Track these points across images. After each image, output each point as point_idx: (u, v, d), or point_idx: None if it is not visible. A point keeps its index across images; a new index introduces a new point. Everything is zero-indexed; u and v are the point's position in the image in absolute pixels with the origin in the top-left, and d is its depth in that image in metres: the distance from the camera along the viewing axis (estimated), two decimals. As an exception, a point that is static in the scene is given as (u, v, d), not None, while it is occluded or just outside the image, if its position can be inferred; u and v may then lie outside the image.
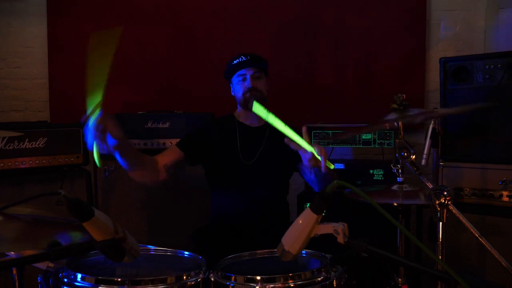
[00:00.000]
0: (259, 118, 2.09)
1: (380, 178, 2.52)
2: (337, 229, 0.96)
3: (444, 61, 2.37)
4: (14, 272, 1.24)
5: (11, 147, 2.44)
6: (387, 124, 1.41)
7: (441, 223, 1.20)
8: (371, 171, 2.53)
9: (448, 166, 2.32)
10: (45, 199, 2.72)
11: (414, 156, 1.29)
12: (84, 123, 1.50)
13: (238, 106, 2.19)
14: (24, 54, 3.26)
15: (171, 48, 3.23)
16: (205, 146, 2.09)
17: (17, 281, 1.21)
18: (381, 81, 3.06)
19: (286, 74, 3.15)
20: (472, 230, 1.17)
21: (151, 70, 3.23)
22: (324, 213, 0.95)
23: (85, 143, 2.54)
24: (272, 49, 3.14)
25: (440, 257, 1.19)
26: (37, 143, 2.51)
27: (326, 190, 0.95)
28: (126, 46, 3.21)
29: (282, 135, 2.09)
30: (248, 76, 2.07)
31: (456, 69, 2.35)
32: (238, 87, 2.10)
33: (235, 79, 2.11)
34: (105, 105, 3.31)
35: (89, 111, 1.48)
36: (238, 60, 2.09)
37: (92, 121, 1.49)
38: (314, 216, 0.98)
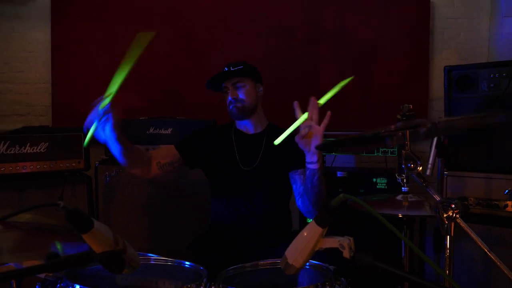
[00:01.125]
0: (255, 125, 2.12)
1: (384, 187, 2.49)
2: (343, 244, 0.93)
3: (448, 70, 2.36)
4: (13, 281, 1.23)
5: (12, 152, 2.43)
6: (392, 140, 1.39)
7: (448, 236, 1.17)
8: (374, 180, 2.50)
9: (452, 175, 2.30)
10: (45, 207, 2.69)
11: (421, 168, 1.27)
12: (93, 106, 1.58)
13: None
14: (27, 59, 3.26)
15: (173, 53, 3.22)
16: (202, 150, 2.09)
17: None
18: (384, 89, 3.05)
19: (288, 80, 3.14)
20: (480, 244, 1.15)
21: (154, 76, 3.22)
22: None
23: (87, 148, 2.56)
24: (274, 54, 3.13)
25: (447, 271, 1.16)
26: (38, 147, 2.50)
27: (332, 203, 0.93)
28: (127, 50, 3.20)
29: (277, 148, 2.07)
30: (230, 87, 2.06)
31: (461, 77, 2.34)
32: (226, 101, 2.10)
33: (223, 93, 2.12)
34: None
35: (105, 96, 1.57)
36: (218, 74, 2.07)
37: (103, 104, 1.57)
38: (319, 229, 0.95)
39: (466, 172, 2.27)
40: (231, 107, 2.05)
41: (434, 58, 3.08)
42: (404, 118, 1.33)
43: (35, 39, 3.25)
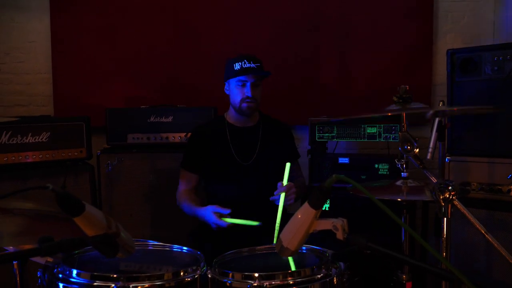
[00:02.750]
0: (251, 119, 2.14)
1: (386, 173, 2.47)
2: (336, 225, 0.92)
3: (451, 53, 2.32)
4: (15, 266, 1.24)
5: (14, 142, 2.44)
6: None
7: (445, 218, 1.16)
8: (376, 166, 2.48)
9: (455, 160, 2.27)
10: (47, 193, 2.72)
11: (417, 150, 1.25)
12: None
13: (231, 107, 2.17)
14: (27, 49, 3.25)
15: (173, 42, 3.20)
16: (205, 157, 2.14)
17: (18, 275, 1.20)
18: (387, 74, 3.00)
19: (290, 69, 3.11)
20: (478, 226, 1.13)
21: (154, 65, 3.21)
22: (328, 208, 0.92)
23: (88, 137, 2.58)
24: (275, 43, 3.10)
25: (444, 254, 1.15)
26: (41, 137, 2.51)
27: (325, 184, 0.91)
28: (129, 41, 3.20)
29: (276, 133, 2.12)
30: (248, 84, 2.04)
31: (464, 60, 2.29)
32: (236, 91, 2.07)
33: (233, 81, 2.08)
34: (109, 100, 3.30)
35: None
36: (241, 64, 2.02)
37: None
38: (313, 211, 0.94)
39: (468, 156, 2.24)
40: (245, 104, 2.05)
41: (438, 42, 3.02)
42: (400, 101, 1.31)
43: (35, 30, 3.24)
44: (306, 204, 0.96)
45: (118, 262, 1.21)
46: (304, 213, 0.95)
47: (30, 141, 2.48)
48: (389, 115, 1.31)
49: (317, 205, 0.94)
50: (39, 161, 2.50)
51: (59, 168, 2.55)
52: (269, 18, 3.13)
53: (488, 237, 1.12)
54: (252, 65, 2.02)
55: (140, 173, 2.70)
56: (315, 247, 1.34)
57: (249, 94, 2.02)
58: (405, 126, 1.32)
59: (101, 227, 0.88)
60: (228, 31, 3.16)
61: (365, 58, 3.06)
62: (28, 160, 2.47)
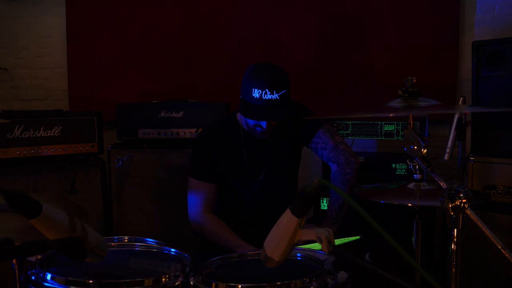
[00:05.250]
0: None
1: (403, 173, 2.33)
2: (321, 237, 0.82)
3: (477, 45, 2.14)
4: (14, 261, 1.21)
5: (26, 135, 2.44)
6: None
7: (456, 230, 1.03)
8: (393, 166, 2.35)
9: (479, 161, 2.10)
10: (57, 189, 2.70)
11: (425, 150, 1.12)
12: None
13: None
14: (45, 44, 3.27)
15: (187, 35, 3.14)
16: (215, 162, 1.90)
17: (17, 270, 1.16)
18: (409, 68, 2.84)
19: (311, 64, 2.99)
20: (494, 241, 1.00)
21: (168, 59, 3.16)
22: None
23: (100, 132, 2.56)
24: (296, 36, 2.99)
25: (453, 270, 1.03)
26: (52, 131, 2.50)
27: (306, 190, 0.81)
28: (142, 34, 3.17)
29: (285, 134, 1.91)
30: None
31: (491, 53, 2.11)
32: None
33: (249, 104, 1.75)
34: (122, 95, 3.26)
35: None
36: (261, 93, 1.66)
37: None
38: (295, 219, 0.84)
39: (494, 157, 2.07)
40: (259, 129, 1.78)
41: (465, 35, 2.82)
42: (406, 95, 1.18)
43: (52, 24, 3.25)
44: (288, 211, 0.86)
45: (100, 265, 1.15)
46: (287, 221, 0.86)
47: (42, 135, 2.48)
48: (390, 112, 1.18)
49: (299, 213, 0.84)
50: (51, 155, 2.50)
51: (71, 163, 2.54)
52: (289, 10, 3.01)
53: (506, 253, 0.98)
54: (275, 96, 1.66)
55: (151, 168, 2.66)
56: (318, 251, 1.24)
57: (264, 126, 1.75)
58: (411, 123, 1.19)
59: (62, 231, 0.81)
60: (244, 24, 3.07)
61: (387, 51, 2.91)
62: (40, 154, 2.47)
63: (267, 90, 1.66)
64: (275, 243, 0.89)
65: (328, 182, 0.82)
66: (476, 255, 1.88)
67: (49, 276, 1.04)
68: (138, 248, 1.29)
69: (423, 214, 1.42)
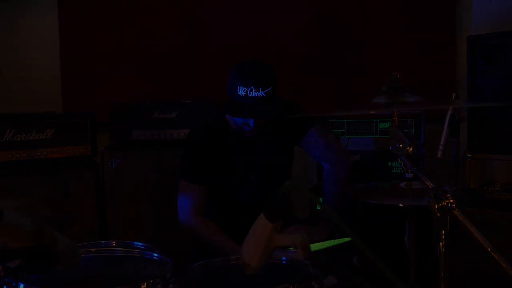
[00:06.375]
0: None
1: (400, 171, 2.28)
2: (295, 243, 0.78)
3: (472, 39, 2.10)
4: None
5: (18, 139, 2.42)
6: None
7: (444, 231, 0.99)
8: (389, 164, 2.30)
9: (476, 158, 2.06)
10: (50, 193, 2.67)
11: (411, 148, 1.08)
12: None
13: None
14: (38, 45, 3.25)
15: (178, 36, 3.12)
16: (206, 163, 1.85)
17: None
18: (405, 64, 2.79)
19: (310, 62, 2.95)
20: (483, 243, 0.96)
21: (162, 59, 3.14)
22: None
23: (93, 134, 2.54)
24: (292, 35, 2.95)
25: (442, 274, 0.99)
26: (45, 134, 2.48)
27: (280, 192, 0.77)
28: (136, 35, 3.14)
29: (276, 133, 1.86)
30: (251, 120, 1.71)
31: (487, 48, 2.07)
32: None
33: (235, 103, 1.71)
34: (116, 96, 3.23)
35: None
36: (246, 91, 1.62)
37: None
38: (269, 224, 0.81)
39: (491, 154, 2.03)
40: (247, 128, 1.73)
41: (461, 30, 2.77)
42: (390, 91, 1.14)
43: (44, 25, 3.23)
44: (261, 216, 0.82)
45: (78, 273, 1.12)
46: (261, 227, 0.82)
47: (35, 138, 2.46)
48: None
49: (272, 218, 0.80)
50: (43, 158, 2.47)
51: (64, 165, 2.52)
52: (284, 8, 2.98)
53: (495, 255, 0.94)
54: (261, 93, 1.62)
55: (145, 171, 2.64)
56: (298, 258, 1.20)
57: (252, 125, 1.71)
58: (396, 121, 1.15)
59: (27, 238, 0.78)
60: (239, 23, 3.04)
61: (383, 47, 2.86)
62: (33, 157, 2.45)
63: (252, 87, 1.62)
64: (251, 249, 0.85)
65: (296, 184, 0.77)
66: (468, 256, 1.84)
67: (21, 286, 1.00)
68: (118, 254, 1.26)
69: (416, 214, 1.38)
